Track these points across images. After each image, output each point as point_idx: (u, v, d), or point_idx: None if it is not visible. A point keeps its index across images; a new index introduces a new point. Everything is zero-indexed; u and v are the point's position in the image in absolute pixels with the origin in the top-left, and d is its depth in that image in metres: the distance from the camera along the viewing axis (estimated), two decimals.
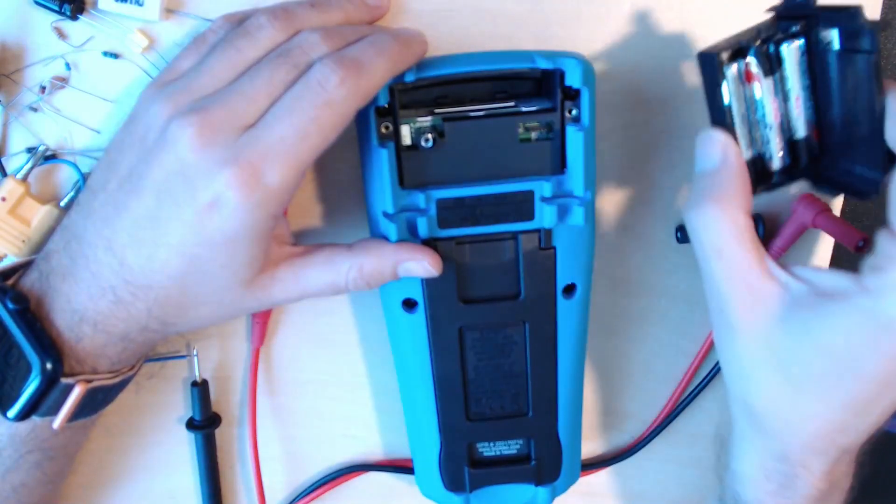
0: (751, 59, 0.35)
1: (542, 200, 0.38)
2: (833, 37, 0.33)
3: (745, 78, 0.35)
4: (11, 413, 0.35)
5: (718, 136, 0.36)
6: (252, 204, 0.33)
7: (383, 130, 0.38)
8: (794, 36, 0.34)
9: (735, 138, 0.35)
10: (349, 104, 0.33)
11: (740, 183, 0.35)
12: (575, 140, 0.38)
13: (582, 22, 0.42)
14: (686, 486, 0.50)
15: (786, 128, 0.36)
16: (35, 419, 0.36)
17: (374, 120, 0.37)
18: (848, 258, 0.45)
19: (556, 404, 0.43)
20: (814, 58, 0.35)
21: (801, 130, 0.36)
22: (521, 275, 0.40)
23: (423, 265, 0.38)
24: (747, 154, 0.36)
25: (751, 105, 0.36)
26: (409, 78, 0.37)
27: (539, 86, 0.39)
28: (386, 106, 0.37)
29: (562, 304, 0.41)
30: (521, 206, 0.39)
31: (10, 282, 0.37)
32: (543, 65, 0.37)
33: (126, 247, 0.34)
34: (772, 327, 0.35)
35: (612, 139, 0.43)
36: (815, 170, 0.37)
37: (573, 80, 0.37)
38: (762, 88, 0.35)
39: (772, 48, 0.35)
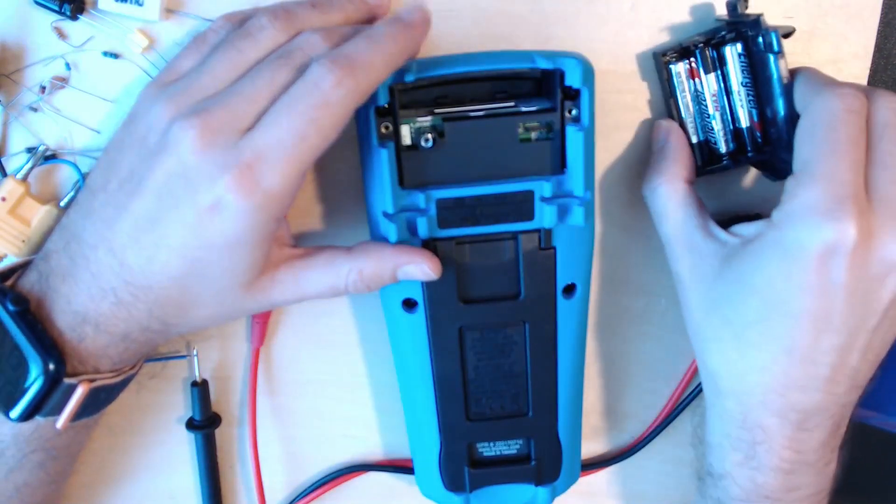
0: (694, 59, 0.40)
1: (542, 200, 0.38)
2: (757, 41, 0.39)
3: (690, 74, 0.41)
4: (14, 413, 0.35)
5: (663, 123, 0.41)
6: (252, 207, 0.33)
7: (383, 130, 0.38)
8: (733, 40, 0.40)
9: (682, 124, 0.41)
10: (347, 104, 0.33)
11: (680, 157, 0.40)
12: (575, 140, 0.38)
13: (582, 22, 0.42)
14: (686, 486, 0.50)
15: (728, 118, 0.41)
16: (38, 419, 0.36)
17: (374, 120, 0.37)
18: None
19: (556, 404, 0.43)
20: (753, 58, 0.40)
21: (743, 120, 0.41)
22: (521, 275, 0.40)
23: (422, 269, 0.38)
24: (695, 138, 0.41)
25: (696, 97, 0.41)
26: (409, 78, 0.37)
27: (539, 86, 0.40)
28: (386, 106, 0.37)
29: (562, 304, 0.41)
30: (521, 206, 0.39)
31: (8, 283, 0.37)
32: (543, 65, 0.37)
33: (126, 248, 0.34)
34: (713, 281, 0.38)
35: (611, 139, 0.43)
36: (763, 159, 0.41)
37: (573, 80, 0.37)
38: (704, 83, 0.41)
39: (713, 51, 0.40)
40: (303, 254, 0.38)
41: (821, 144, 0.34)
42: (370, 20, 0.39)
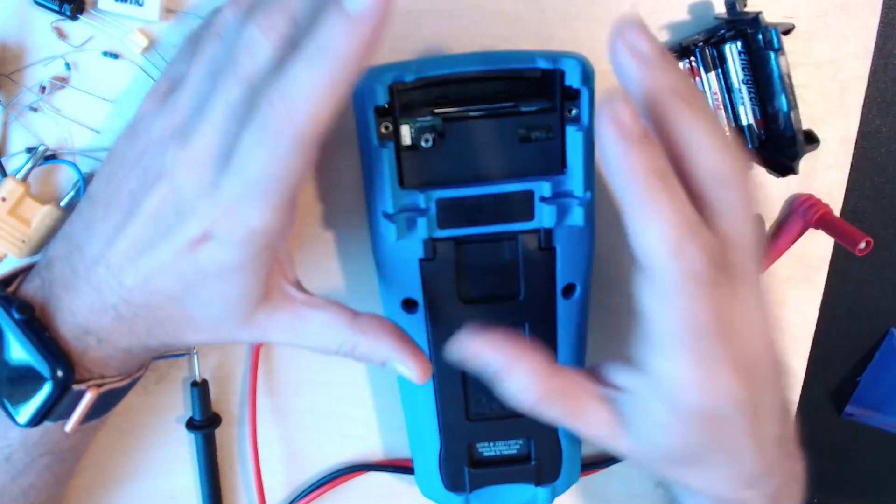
0: (694, 58, 0.41)
1: (542, 200, 0.38)
2: (757, 38, 0.39)
3: (691, 73, 0.41)
4: (23, 419, 0.35)
5: None
6: (240, 240, 0.32)
7: (383, 130, 0.38)
8: (733, 38, 0.40)
9: None
10: (300, 147, 0.30)
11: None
12: (575, 140, 0.38)
13: (582, 22, 0.42)
14: None
15: (730, 116, 0.42)
16: (46, 423, 0.36)
17: (373, 120, 0.37)
18: (847, 258, 0.45)
19: None
20: (753, 56, 0.40)
21: (745, 118, 0.41)
22: (521, 275, 0.40)
23: (411, 373, 0.37)
24: None
25: None
26: (409, 78, 0.37)
27: (539, 86, 0.40)
28: (386, 106, 0.37)
29: (562, 304, 0.41)
30: (521, 206, 0.39)
31: (10, 288, 0.37)
32: (543, 65, 0.37)
33: (125, 269, 0.34)
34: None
35: None
36: (766, 156, 0.42)
37: (573, 80, 0.37)
38: (704, 82, 0.41)
39: (713, 50, 0.41)
40: (306, 301, 0.37)
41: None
42: None
